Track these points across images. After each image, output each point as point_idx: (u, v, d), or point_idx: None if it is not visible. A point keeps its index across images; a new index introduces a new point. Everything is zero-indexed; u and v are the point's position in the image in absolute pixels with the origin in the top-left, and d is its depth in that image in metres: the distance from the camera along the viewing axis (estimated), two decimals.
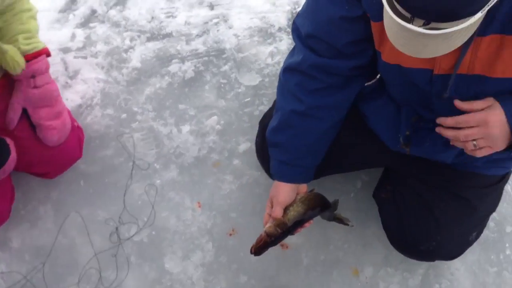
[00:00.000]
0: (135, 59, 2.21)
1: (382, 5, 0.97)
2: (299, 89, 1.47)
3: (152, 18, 2.34)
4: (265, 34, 2.35)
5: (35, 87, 1.67)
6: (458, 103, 1.23)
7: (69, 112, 1.87)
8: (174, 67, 2.22)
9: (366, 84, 1.56)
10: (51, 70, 1.73)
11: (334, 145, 1.60)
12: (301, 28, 1.43)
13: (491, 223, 1.90)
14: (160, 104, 2.13)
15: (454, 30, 0.91)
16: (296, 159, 1.54)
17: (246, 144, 2.06)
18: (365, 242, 1.91)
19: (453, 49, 1.01)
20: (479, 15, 0.90)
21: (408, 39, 0.97)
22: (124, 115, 2.08)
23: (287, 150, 1.54)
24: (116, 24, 2.30)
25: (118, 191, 1.94)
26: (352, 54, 1.39)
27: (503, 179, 1.59)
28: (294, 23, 1.48)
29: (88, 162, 1.98)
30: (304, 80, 1.45)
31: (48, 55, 1.71)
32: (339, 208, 1.67)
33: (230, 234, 1.89)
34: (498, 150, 1.24)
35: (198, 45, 2.29)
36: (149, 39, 2.28)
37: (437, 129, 1.31)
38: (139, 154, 2.01)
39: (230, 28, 2.36)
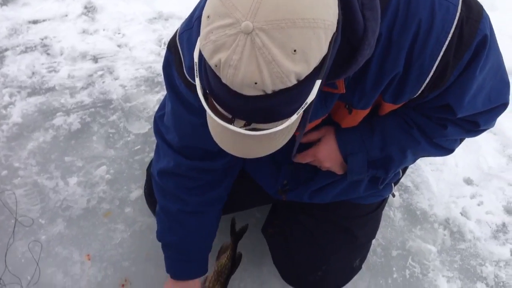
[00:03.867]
0: (15, 115, 2.15)
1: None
2: (181, 191, 1.50)
3: (33, 73, 2.31)
4: (152, 83, 2.39)
5: None
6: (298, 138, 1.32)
7: None
8: (58, 120, 2.18)
9: None
10: None
11: None
12: (166, 136, 1.45)
13: (378, 248, 1.99)
14: (45, 158, 2.07)
15: (274, 131, 0.92)
16: (192, 254, 1.59)
17: (138, 191, 2.04)
18: (262, 281, 1.91)
19: (278, 148, 1.01)
20: (295, 117, 0.91)
21: (233, 139, 0.97)
22: (4, 172, 1.99)
23: (182, 248, 1.58)
24: None
25: None
26: (223, 151, 1.43)
27: (380, 206, 1.70)
28: (156, 124, 1.49)
29: None
30: (182, 181, 1.48)
31: None
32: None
33: (123, 285, 1.82)
34: (340, 173, 1.45)
35: (83, 97, 2.27)
36: (30, 94, 2.24)
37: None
38: (22, 211, 1.91)
39: (116, 79, 2.37)
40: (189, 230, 1.56)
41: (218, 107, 0.92)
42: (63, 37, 2.49)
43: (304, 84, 0.85)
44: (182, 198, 1.51)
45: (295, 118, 0.91)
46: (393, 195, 1.77)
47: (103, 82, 2.35)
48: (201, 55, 0.89)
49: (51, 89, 2.27)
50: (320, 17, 0.81)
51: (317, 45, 0.82)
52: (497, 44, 1.18)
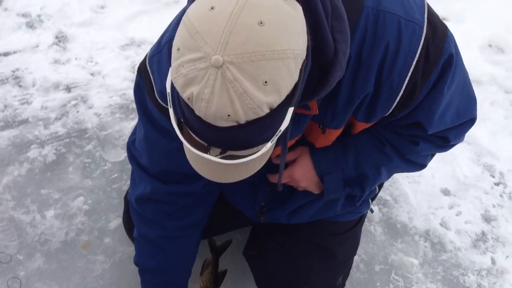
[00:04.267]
0: None
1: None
2: (160, 216, 1.49)
3: (5, 106, 2.28)
4: (127, 110, 2.38)
5: None
6: (273, 159, 1.33)
7: None
8: (33, 153, 2.15)
9: None
10: None
11: None
12: (140, 161, 1.44)
13: (360, 264, 1.99)
14: (20, 192, 2.04)
15: (250, 159, 0.93)
16: (171, 279, 1.58)
17: (117, 221, 2.01)
18: None
19: (254, 172, 1.03)
20: (270, 145, 0.92)
21: (209, 166, 0.98)
22: None
23: (161, 272, 1.56)
24: None
25: None
26: (199, 175, 1.42)
27: (359, 223, 1.70)
28: (129, 150, 1.49)
29: None
30: (160, 207, 1.47)
31: None
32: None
33: None
34: (316, 192, 1.46)
35: (57, 128, 2.26)
36: (3, 128, 2.21)
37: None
38: None
39: (90, 108, 2.36)
40: (168, 255, 1.54)
41: (192, 134, 0.92)
42: (35, 68, 2.47)
43: (277, 112, 0.85)
44: (161, 223, 1.50)
45: (270, 145, 0.92)
46: (371, 211, 1.78)
47: (77, 112, 2.33)
48: (173, 86, 0.89)
49: (25, 122, 2.25)
50: (289, 47, 0.82)
51: (287, 75, 0.83)
52: (462, 61, 1.21)
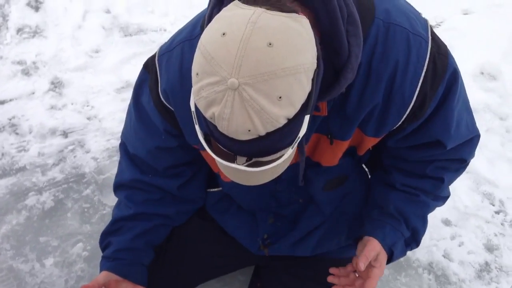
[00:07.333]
0: None
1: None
2: (129, 201, 1.51)
3: (2, 154, 2.29)
4: None
5: None
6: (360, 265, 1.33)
7: None
8: (31, 200, 2.15)
9: (210, 191, 1.61)
10: None
11: (199, 257, 1.64)
12: (128, 147, 1.49)
13: None
14: (19, 241, 2.02)
15: (274, 165, 0.99)
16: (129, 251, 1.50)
17: None
18: None
19: (278, 174, 1.07)
20: (291, 150, 0.98)
21: (236, 171, 1.03)
22: None
23: (120, 238, 1.50)
24: None
25: None
26: (173, 175, 1.48)
27: None
28: (122, 138, 1.54)
29: None
30: (132, 193, 1.50)
31: None
32: None
33: None
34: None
35: (55, 174, 2.25)
36: (0, 177, 2.20)
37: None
38: None
39: (87, 152, 2.36)
40: (126, 226, 1.50)
41: (220, 146, 0.99)
42: (31, 115, 2.48)
43: (294, 121, 0.92)
44: (128, 205, 1.50)
45: (290, 151, 0.99)
46: None
47: (75, 157, 2.34)
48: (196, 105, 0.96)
49: (22, 169, 2.25)
50: (299, 63, 0.88)
51: (299, 88, 0.89)
52: (462, 80, 1.27)
